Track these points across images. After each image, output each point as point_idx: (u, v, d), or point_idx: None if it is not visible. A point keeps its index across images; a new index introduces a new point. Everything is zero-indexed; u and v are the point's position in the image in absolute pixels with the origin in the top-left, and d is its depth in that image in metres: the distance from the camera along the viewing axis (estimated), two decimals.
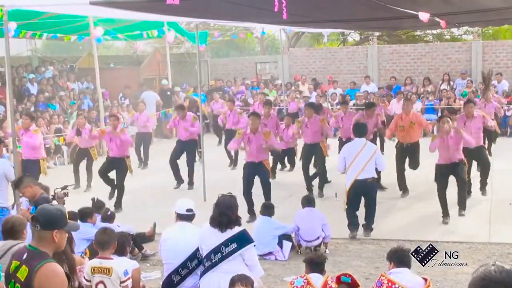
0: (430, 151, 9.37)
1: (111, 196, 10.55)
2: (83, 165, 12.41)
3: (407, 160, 10.84)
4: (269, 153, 10.08)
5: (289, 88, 20.50)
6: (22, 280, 3.37)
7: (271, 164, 10.65)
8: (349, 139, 11.98)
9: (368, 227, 8.50)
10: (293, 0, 5.25)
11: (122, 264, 5.09)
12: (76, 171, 12.50)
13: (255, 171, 9.53)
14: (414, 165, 10.89)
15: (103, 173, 10.75)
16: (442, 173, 9.15)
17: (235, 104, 15.27)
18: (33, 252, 3.43)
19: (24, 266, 3.39)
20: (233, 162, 13.99)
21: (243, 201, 8.63)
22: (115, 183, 10.67)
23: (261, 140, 9.44)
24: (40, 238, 3.45)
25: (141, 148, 14.85)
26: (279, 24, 11.92)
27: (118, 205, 10.41)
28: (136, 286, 5.23)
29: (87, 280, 5.09)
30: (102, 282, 5.00)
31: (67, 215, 3.58)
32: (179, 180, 12.12)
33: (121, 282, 4.99)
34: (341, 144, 12.26)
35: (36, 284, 3.32)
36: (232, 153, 13.92)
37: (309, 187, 11.11)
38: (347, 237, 8.44)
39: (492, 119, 11.19)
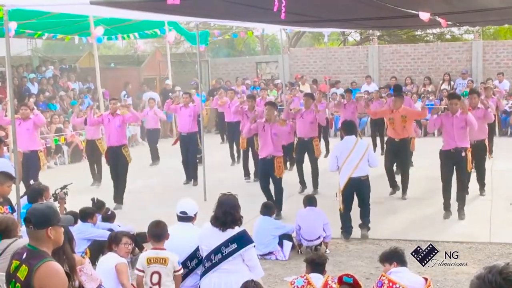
0: (428, 130, 9.41)
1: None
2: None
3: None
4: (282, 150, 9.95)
5: (290, 88, 20.47)
6: (22, 279, 3.36)
7: None
8: None
9: (365, 226, 8.42)
10: None
11: (174, 255, 5.27)
12: (93, 169, 12.66)
13: (268, 171, 9.48)
14: (403, 166, 10.66)
15: (116, 179, 10.70)
16: (446, 161, 9.06)
17: (235, 94, 15.47)
18: (33, 252, 3.43)
19: (24, 265, 3.39)
20: (235, 161, 14.12)
21: (243, 202, 8.64)
22: (118, 179, 10.68)
23: (275, 130, 9.38)
24: (36, 238, 3.45)
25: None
26: (279, 24, 11.91)
27: (119, 200, 10.49)
28: (122, 278, 5.38)
29: (140, 271, 5.24)
30: (157, 272, 5.16)
31: (57, 210, 3.59)
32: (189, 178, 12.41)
33: (175, 272, 5.20)
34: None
35: (36, 283, 3.32)
36: (235, 152, 14.10)
37: (303, 182, 11.21)
38: (344, 238, 8.38)
39: (494, 115, 11.21)
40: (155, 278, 5.17)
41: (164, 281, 5.17)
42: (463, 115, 8.93)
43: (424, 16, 7.46)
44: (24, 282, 3.35)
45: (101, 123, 11.23)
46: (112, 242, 5.88)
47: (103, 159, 11.93)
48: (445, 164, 9.13)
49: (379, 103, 14.23)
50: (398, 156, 10.60)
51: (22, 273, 3.37)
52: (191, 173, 12.41)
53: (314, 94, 13.23)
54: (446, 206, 9.16)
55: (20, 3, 7.41)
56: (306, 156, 11.32)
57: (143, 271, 5.23)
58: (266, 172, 9.53)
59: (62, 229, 3.58)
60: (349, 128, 8.67)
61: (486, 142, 10.39)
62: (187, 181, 12.39)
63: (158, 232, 5.35)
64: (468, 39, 25.33)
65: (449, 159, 9.05)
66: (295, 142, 11.81)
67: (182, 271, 5.26)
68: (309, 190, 11.00)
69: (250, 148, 12.46)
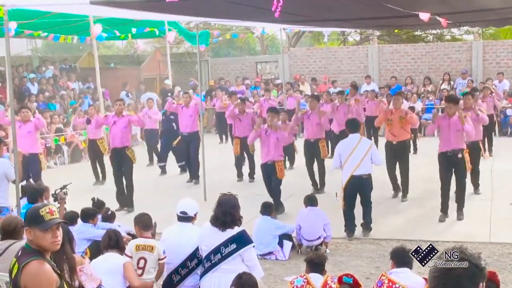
0: (427, 133, 9.41)
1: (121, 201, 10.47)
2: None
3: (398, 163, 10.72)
4: (283, 153, 10.24)
5: (289, 89, 20.49)
6: (13, 277, 3.39)
7: None
8: (342, 133, 12.12)
9: (367, 227, 8.49)
10: None
11: (160, 245, 5.62)
12: (95, 168, 12.73)
13: (270, 175, 9.80)
14: (403, 168, 10.52)
15: (119, 179, 10.58)
16: (444, 163, 9.03)
17: (236, 97, 15.33)
18: (25, 249, 3.45)
19: (17, 263, 3.41)
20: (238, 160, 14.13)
21: (243, 202, 8.65)
22: (124, 183, 10.58)
23: (278, 135, 9.69)
24: (27, 236, 3.50)
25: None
26: (279, 24, 11.92)
27: (129, 203, 10.42)
28: (132, 279, 5.40)
29: (128, 256, 5.56)
30: (143, 258, 5.53)
31: (43, 214, 3.43)
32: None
33: (159, 259, 5.56)
34: (335, 138, 12.36)
35: (21, 282, 3.32)
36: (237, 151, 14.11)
37: (315, 183, 11.26)
38: (347, 236, 8.44)
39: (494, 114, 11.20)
40: (141, 263, 5.53)
41: (149, 268, 5.53)
42: (460, 122, 8.88)
43: (424, 16, 7.46)
44: (14, 279, 3.38)
45: (107, 124, 11.18)
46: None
47: (105, 159, 11.93)
48: (443, 166, 9.12)
49: (374, 103, 14.05)
50: (398, 158, 10.45)
51: (14, 271, 3.40)
52: (193, 172, 12.44)
53: (318, 94, 13.28)
54: (444, 209, 9.09)
55: (20, 3, 7.42)
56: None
57: (131, 257, 5.53)
58: (268, 176, 9.86)
59: (45, 234, 3.42)
60: (353, 126, 8.74)
61: (480, 143, 10.39)
62: (190, 179, 12.51)
63: (146, 222, 5.83)
64: (468, 39, 25.31)
65: (447, 161, 9.04)
66: (303, 144, 11.80)
67: (166, 259, 5.55)
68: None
69: (244, 152, 12.57)
